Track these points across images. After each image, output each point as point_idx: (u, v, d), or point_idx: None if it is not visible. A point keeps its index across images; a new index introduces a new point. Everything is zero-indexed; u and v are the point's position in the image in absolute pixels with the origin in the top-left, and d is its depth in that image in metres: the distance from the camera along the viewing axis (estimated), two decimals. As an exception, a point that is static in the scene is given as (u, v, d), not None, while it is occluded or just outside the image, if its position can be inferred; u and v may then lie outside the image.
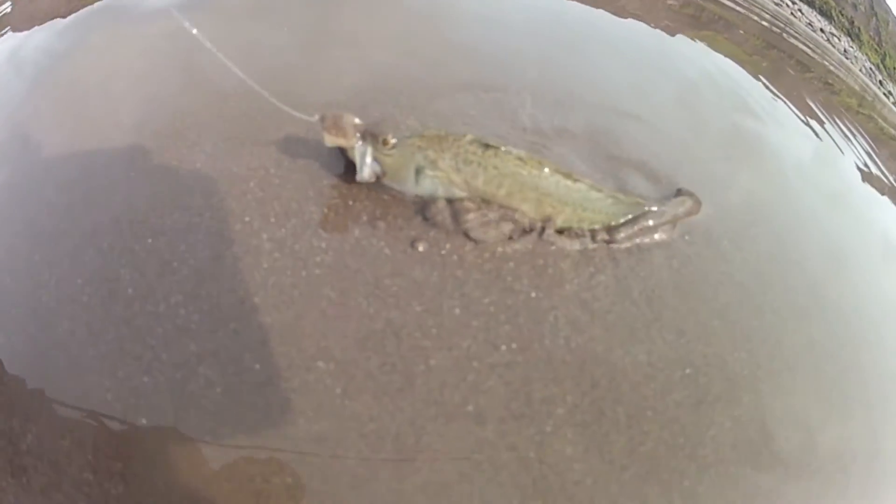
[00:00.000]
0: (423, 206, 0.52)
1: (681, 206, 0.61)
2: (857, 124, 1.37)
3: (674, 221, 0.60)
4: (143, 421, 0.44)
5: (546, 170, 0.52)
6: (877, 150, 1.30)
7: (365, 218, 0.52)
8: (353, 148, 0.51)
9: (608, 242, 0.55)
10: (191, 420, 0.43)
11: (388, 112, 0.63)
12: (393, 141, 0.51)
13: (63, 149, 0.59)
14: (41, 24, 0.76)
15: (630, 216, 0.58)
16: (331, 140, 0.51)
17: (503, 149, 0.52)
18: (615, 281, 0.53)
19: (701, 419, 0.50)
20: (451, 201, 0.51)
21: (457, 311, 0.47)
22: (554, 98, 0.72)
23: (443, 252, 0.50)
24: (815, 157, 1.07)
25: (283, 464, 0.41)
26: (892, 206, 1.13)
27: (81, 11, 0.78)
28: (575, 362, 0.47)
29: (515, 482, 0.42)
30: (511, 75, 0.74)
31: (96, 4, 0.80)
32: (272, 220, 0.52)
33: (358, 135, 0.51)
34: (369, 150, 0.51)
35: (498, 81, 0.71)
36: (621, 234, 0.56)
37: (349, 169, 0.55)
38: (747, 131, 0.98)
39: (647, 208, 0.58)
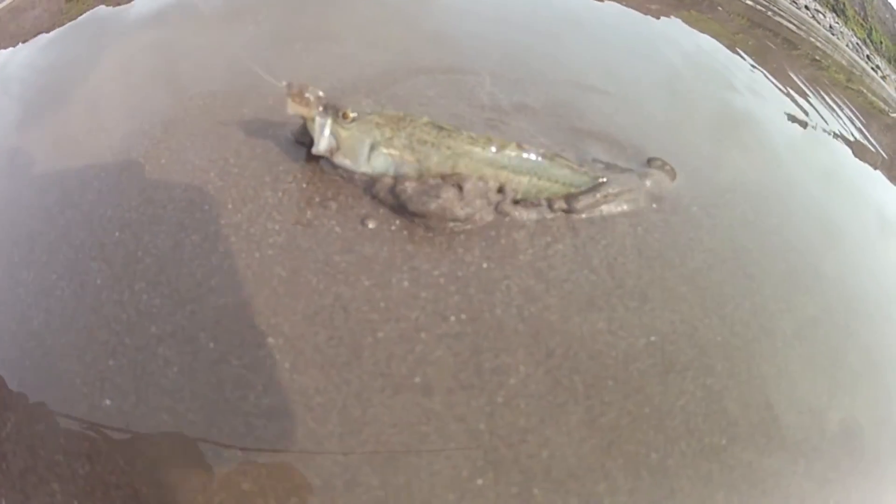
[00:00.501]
0: (370, 185, 0.50)
1: (647, 177, 0.58)
2: (845, 99, 1.30)
3: (640, 191, 0.56)
4: (107, 402, 0.43)
5: (496, 145, 0.49)
6: (867, 125, 1.23)
7: (317, 199, 0.50)
8: (312, 119, 0.50)
9: (567, 212, 0.52)
10: (150, 398, 0.42)
11: (346, 99, 0.62)
12: (353, 115, 0.49)
13: (41, 157, 0.60)
14: (25, 40, 0.78)
15: (590, 185, 0.55)
16: (293, 108, 0.50)
17: (453, 130, 0.50)
18: (573, 249, 0.50)
19: (669, 389, 0.46)
20: (396, 178, 0.49)
21: (405, 283, 0.45)
22: (515, 76, 0.69)
23: (392, 228, 0.48)
24: (804, 133, 1.01)
25: (234, 437, 0.40)
26: (885, 179, 1.06)
27: (65, 26, 0.80)
28: (528, 332, 0.44)
29: (465, 454, 0.39)
30: (473, 59, 0.71)
31: (79, 18, 0.81)
32: (229, 206, 0.51)
33: (320, 107, 0.49)
34: (328, 123, 0.50)
35: (458, 65, 0.69)
36: (581, 204, 0.52)
37: (308, 151, 0.54)
38: (732, 108, 0.92)
39: (604, 179, 0.55)
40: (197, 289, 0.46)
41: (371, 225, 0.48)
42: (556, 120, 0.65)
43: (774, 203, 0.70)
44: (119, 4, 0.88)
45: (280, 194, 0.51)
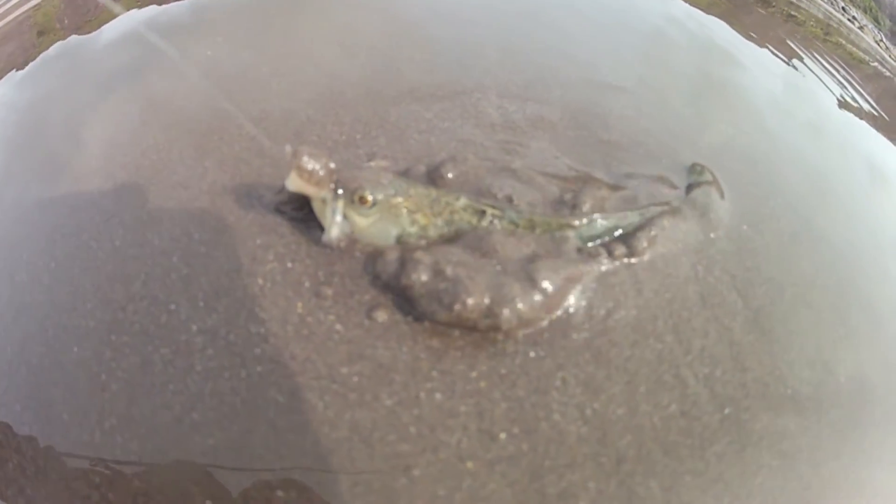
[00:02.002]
0: (370, 260, 0.33)
1: (698, 202, 0.41)
2: (825, 53, 1.09)
3: (696, 219, 0.40)
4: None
5: (538, 231, 0.34)
6: (850, 77, 1.04)
7: (307, 284, 0.34)
8: (322, 200, 0.33)
9: (629, 257, 0.36)
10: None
11: (327, 133, 0.43)
12: (372, 198, 0.32)
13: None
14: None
15: (645, 217, 0.39)
16: (296, 184, 0.33)
17: (497, 213, 0.34)
18: (636, 313, 0.35)
19: (747, 468, 0.34)
20: (404, 252, 0.33)
21: (438, 395, 0.30)
22: (522, 80, 0.49)
23: (409, 318, 0.32)
24: (791, 92, 0.82)
25: None
26: (871, 129, 0.89)
27: (37, 59, 0.61)
28: (593, 436, 0.30)
29: None
30: (470, 62, 0.51)
31: (51, 49, 0.62)
32: (201, 304, 0.34)
33: (332, 185, 0.32)
34: (341, 206, 0.33)
35: (456, 74, 0.49)
36: (643, 243, 0.37)
37: (289, 216, 0.37)
38: (747, 91, 0.72)
39: (658, 206, 0.39)
40: (177, 425, 0.31)
41: (381, 318, 0.32)
42: (580, 133, 0.46)
43: (814, 203, 0.54)
44: (89, 32, 0.65)
45: (261, 281, 0.35)
